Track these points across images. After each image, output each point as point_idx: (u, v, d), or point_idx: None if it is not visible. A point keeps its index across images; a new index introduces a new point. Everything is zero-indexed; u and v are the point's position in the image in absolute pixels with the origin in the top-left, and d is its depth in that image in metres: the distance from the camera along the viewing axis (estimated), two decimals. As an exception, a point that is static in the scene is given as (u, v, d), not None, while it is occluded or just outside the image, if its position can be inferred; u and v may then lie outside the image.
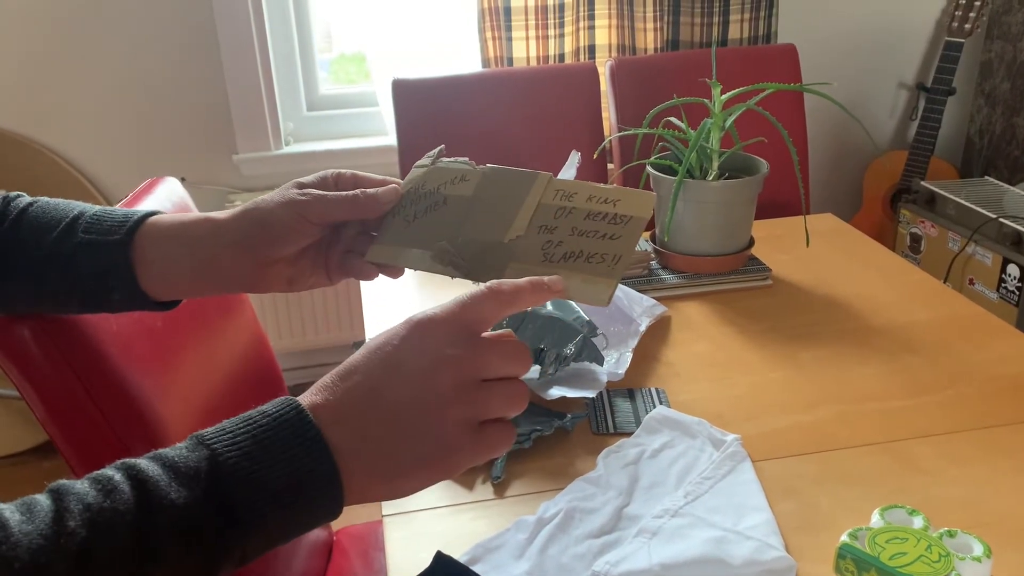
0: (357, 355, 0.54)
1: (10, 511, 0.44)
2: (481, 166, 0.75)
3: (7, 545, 0.42)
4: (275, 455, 0.48)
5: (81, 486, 0.46)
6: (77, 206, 0.72)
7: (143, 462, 0.48)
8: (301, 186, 0.71)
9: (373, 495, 0.52)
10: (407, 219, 0.73)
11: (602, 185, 0.67)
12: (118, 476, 0.47)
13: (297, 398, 0.52)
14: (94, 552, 0.44)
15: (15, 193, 0.75)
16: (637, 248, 1.27)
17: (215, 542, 0.47)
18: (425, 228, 0.72)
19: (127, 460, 0.49)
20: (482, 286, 0.55)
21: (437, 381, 0.51)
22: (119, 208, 0.72)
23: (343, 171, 0.75)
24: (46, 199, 0.73)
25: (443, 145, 0.79)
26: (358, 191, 0.71)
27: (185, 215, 0.71)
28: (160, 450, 0.49)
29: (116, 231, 0.69)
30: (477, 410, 0.52)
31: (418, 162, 0.78)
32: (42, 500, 0.46)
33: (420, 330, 0.53)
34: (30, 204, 0.72)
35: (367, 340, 0.56)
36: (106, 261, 0.68)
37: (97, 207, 0.72)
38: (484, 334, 0.54)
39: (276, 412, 0.50)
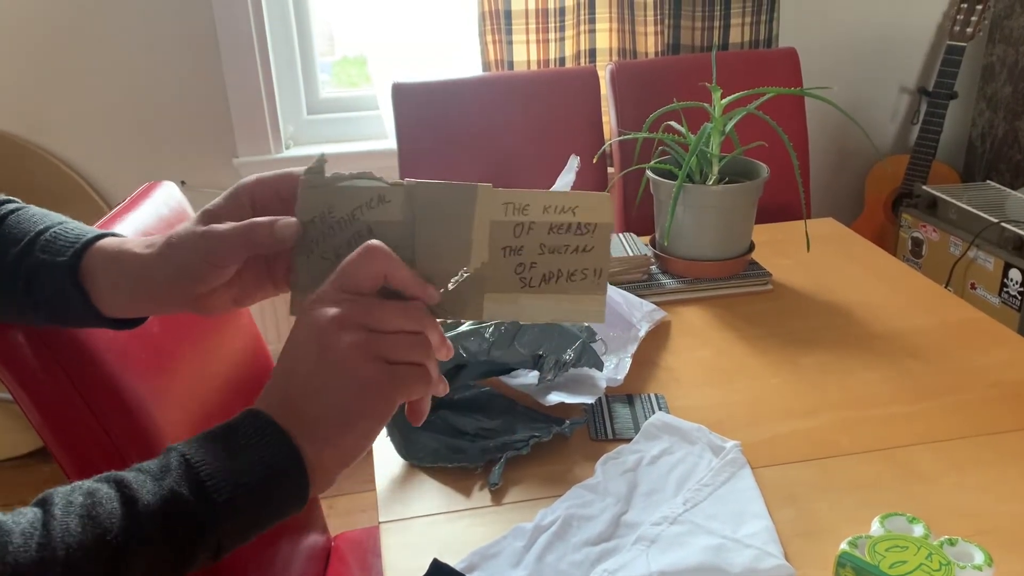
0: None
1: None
2: (395, 182, 0.63)
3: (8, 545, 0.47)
4: (236, 443, 0.53)
5: (64, 489, 0.51)
6: (48, 221, 0.70)
7: (120, 472, 0.52)
8: (207, 217, 0.65)
9: (331, 464, 0.56)
10: (326, 257, 0.64)
11: (552, 192, 0.63)
12: (100, 482, 0.51)
13: (257, 404, 0.57)
14: (78, 542, 0.48)
15: (6, 197, 0.74)
16: (637, 252, 1.26)
17: (191, 528, 0.51)
18: None
19: (107, 473, 0.53)
20: (361, 247, 0.58)
21: (328, 336, 0.55)
22: (77, 227, 0.70)
23: (261, 176, 0.68)
24: (32, 209, 0.73)
25: (323, 153, 0.68)
26: (251, 221, 0.63)
27: (125, 242, 0.68)
28: (135, 464, 0.54)
29: (64, 252, 0.67)
30: (373, 346, 0.56)
31: (302, 179, 0.65)
32: (28, 508, 0.50)
33: (310, 306, 0.57)
34: (14, 211, 0.72)
35: None
36: (57, 282, 0.67)
37: (63, 223, 0.70)
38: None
39: (232, 419, 0.56)
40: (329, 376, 0.55)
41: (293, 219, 0.63)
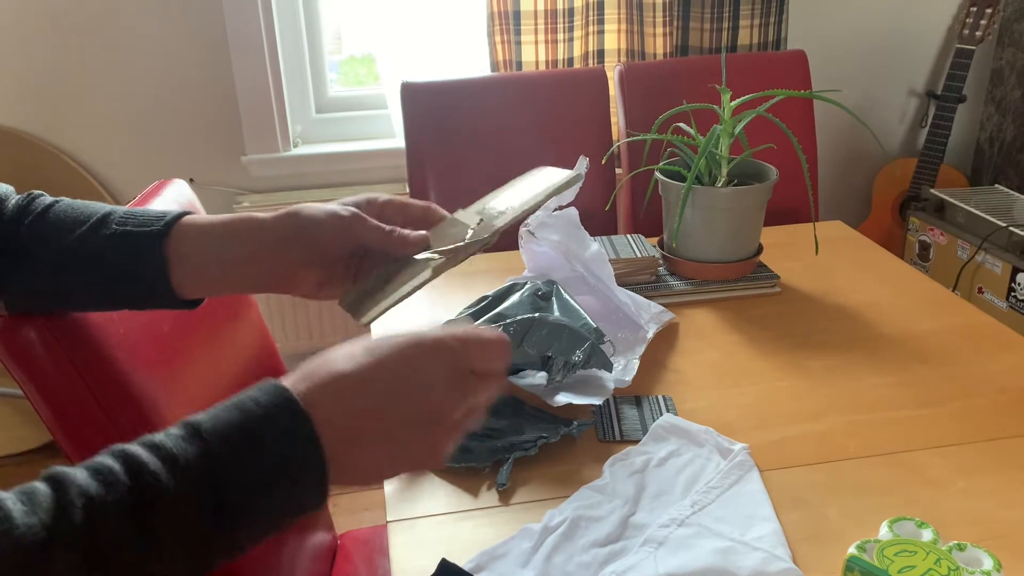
0: (361, 359, 0.55)
1: (12, 501, 0.45)
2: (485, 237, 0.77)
3: (10, 537, 0.43)
4: (268, 451, 0.50)
5: (82, 476, 0.47)
6: (105, 206, 0.74)
7: (142, 453, 0.49)
8: (346, 204, 0.75)
9: (350, 485, 0.55)
10: (381, 275, 0.76)
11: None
12: (117, 467, 0.48)
13: (291, 387, 0.53)
14: (96, 543, 0.45)
15: (39, 192, 0.76)
16: (645, 254, 1.26)
17: (208, 535, 0.49)
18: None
19: (125, 449, 0.49)
20: (492, 333, 0.59)
21: (444, 407, 0.55)
22: (151, 209, 0.74)
23: (393, 199, 0.78)
24: (70, 200, 0.75)
25: (481, 219, 0.80)
26: (393, 229, 0.75)
27: (223, 215, 0.73)
28: (157, 438, 0.50)
29: (154, 223, 0.71)
30: (465, 428, 0.57)
31: (452, 219, 0.82)
32: (42, 489, 0.46)
33: (426, 353, 0.56)
34: (56, 202, 0.75)
35: (371, 341, 0.58)
36: (139, 251, 0.69)
37: (124, 208, 0.74)
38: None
39: (270, 403, 0.51)
40: (411, 442, 0.55)
41: (424, 234, 0.73)
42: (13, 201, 0.75)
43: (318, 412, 0.52)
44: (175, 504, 0.47)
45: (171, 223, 0.71)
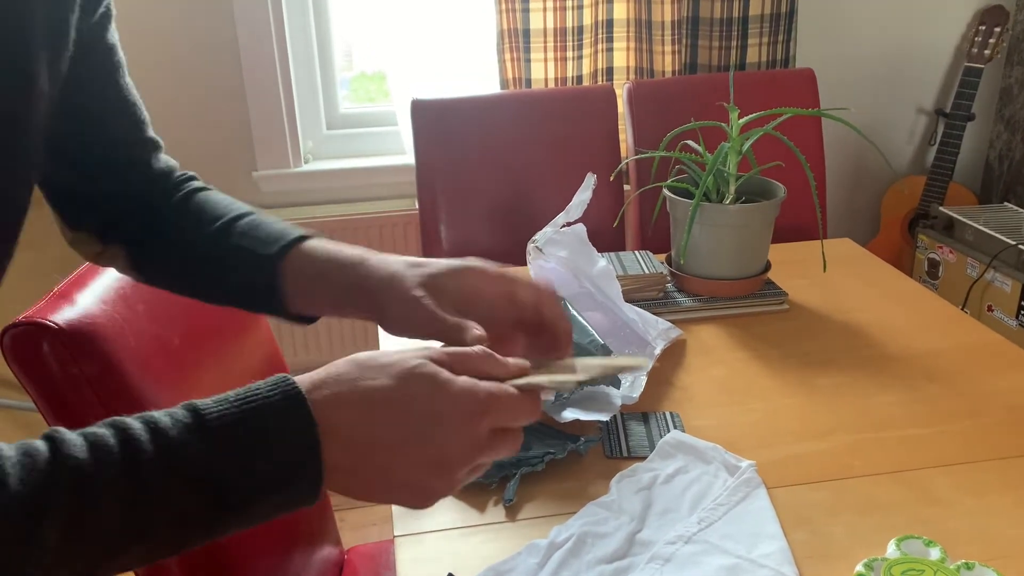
0: (388, 384, 0.53)
1: (10, 463, 0.45)
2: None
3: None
4: (271, 454, 0.50)
5: (79, 447, 0.47)
6: (241, 207, 0.75)
7: (142, 437, 0.48)
8: (429, 282, 0.66)
9: (340, 492, 0.54)
10: None
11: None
12: (115, 448, 0.47)
13: (307, 391, 0.52)
14: (83, 520, 0.45)
15: (193, 174, 0.79)
16: (653, 270, 1.27)
17: (197, 524, 0.49)
18: None
19: (128, 429, 0.49)
20: (515, 391, 0.55)
21: (443, 466, 0.53)
22: (278, 221, 0.73)
23: (490, 273, 0.67)
24: (216, 192, 0.77)
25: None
26: (461, 327, 0.63)
27: (342, 246, 0.70)
28: (161, 423, 0.49)
29: (271, 245, 0.70)
30: (459, 485, 0.55)
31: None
32: (41, 451, 0.46)
33: (455, 404, 0.53)
34: (203, 188, 0.77)
35: (406, 361, 0.55)
36: (254, 268, 0.70)
37: (259, 213, 0.74)
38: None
39: (280, 407, 0.51)
40: (411, 480, 0.53)
41: (481, 333, 0.62)
42: (175, 176, 0.77)
43: (326, 421, 0.51)
44: (166, 498, 0.47)
45: (288, 247, 0.69)
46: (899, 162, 2.56)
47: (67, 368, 0.77)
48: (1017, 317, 1.99)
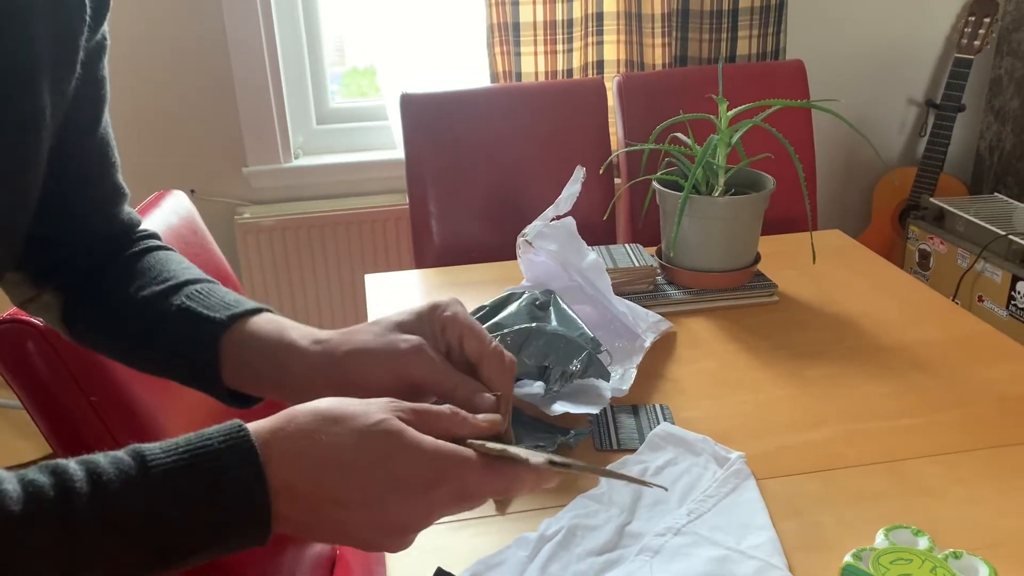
0: (350, 443, 0.50)
1: None
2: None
3: None
4: (217, 505, 0.48)
5: (12, 488, 0.45)
6: (196, 272, 0.70)
7: (80, 484, 0.46)
8: (413, 315, 0.64)
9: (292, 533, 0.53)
10: None
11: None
12: (50, 495, 0.46)
13: (259, 439, 0.49)
14: (9, 562, 0.44)
15: (154, 232, 0.75)
16: (643, 263, 1.27)
17: (137, 570, 0.47)
18: None
19: (65, 473, 0.47)
20: (479, 462, 0.52)
21: (401, 528, 0.52)
22: (231, 292, 0.69)
23: (459, 315, 0.63)
24: (176, 253, 0.73)
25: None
26: (455, 387, 0.60)
27: (285, 328, 0.65)
28: (101, 467, 0.47)
29: (220, 311, 0.65)
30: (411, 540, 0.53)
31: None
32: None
33: (426, 477, 0.51)
34: (160, 248, 0.72)
35: (372, 421, 0.51)
36: (195, 333, 0.65)
37: (214, 282, 0.70)
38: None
39: (231, 461, 0.48)
40: (367, 536, 0.51)
41: (497, 419, 0.58)
42: (136, 231, 0.74)
43: (278, 476, 0.49)
44: (103, 553, 0.46)
45: (236, 317, 0.65)
46: (889, 154, 2.57)
47: (54, 367, 0.77)
48: (1007, 307, 1.99)
